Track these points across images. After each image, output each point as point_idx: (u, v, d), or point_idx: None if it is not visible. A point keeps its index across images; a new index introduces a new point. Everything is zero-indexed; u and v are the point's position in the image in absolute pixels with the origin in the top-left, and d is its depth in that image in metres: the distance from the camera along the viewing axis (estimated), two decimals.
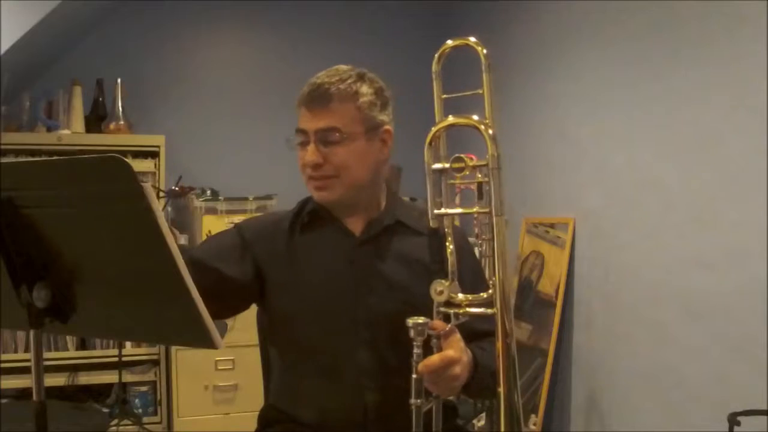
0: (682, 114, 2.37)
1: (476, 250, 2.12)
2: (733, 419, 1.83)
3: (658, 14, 2.47)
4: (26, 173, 0.99)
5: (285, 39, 4.04)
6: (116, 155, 0.87)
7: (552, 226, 3.14)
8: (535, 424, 2.98)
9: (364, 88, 1.41)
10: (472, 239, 2.49)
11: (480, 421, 2.99)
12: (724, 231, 2.20)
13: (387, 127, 1.45)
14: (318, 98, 1.39)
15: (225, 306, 1.42)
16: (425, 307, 1.36)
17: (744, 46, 2.11)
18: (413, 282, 1.41)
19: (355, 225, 1.47)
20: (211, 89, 3.93)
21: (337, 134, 1.37)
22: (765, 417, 1.87)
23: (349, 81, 1.40)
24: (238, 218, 3.52)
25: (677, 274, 2.39)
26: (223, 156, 3.89)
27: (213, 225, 3.50)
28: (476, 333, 1.38)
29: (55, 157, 0.95)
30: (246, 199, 3.56)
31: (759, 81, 2.04)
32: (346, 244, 1.45)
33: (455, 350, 1.16)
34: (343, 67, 1.45)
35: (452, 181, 1.24)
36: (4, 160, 3.12)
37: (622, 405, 2.70)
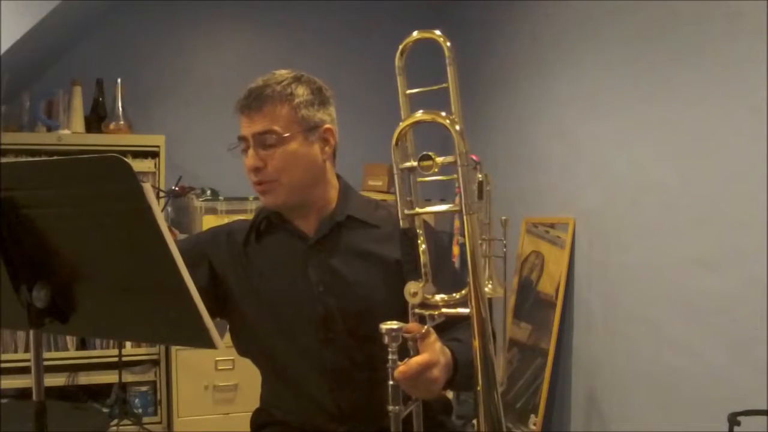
0: (682, 114, 2.37)
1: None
2: (733, 419, 1.83)
3: (658, 14, 2.47)
4: (26, 173, 0.98)
5: (285, 39, 4.04)
6: (116, 155, 0.87)
7: (552, 226, 3.14)
8: (535, 424, 2.97)
9: (300, 89, 1.41)
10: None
11: None
12: (724, 231, 2.20)
13: (328, 126, 1.45)
14: (253, 102, 1.39)
15: None
16: (381, 300, 1.38)
17: (744, 46, 2.11)
18: (368, 276, 1.42)
19: (308, 226, 1.47)
20: (211, 89, 3.93)
21: (274, 136, 1.38)
22: (765, 417, 1.87)
23: (284, 83, 1.40)
24: (238, 218, 3.52)
25: (677, 274, 2.39)
26: (223, 156, 3.84)
27: (213, 225, 3.48)
28: (451, 319, 1.38)
29: (55, 157, 0.95)
30: (246, 199, 3.55)
31: (759, 81, 2.04)
32: (300, 247, 1.45)
33: (432, 353, 1.14)
34: (282, 71, 1.45)
35: (422, 178, 1.20)
36: (4, 160, 3.12)
37: (622, 405, 2.70)
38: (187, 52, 3.95)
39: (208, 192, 3.61)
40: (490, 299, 2.64)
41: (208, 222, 3.48)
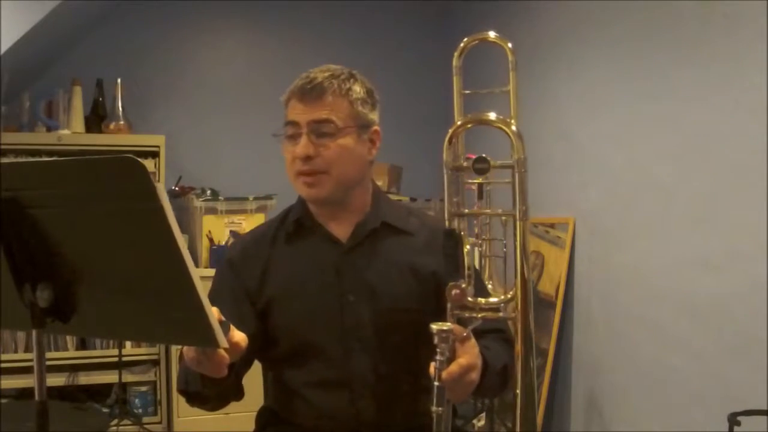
0: (682, 114, 2.37)
1: (476, 251, 2.12)
2: (733, 419, 1.83)
3: (658, 14, 2.47)
4: (36, 173, 0.98)
5: (285, 39, 4.04)
6: (130, 156, 0.86)
7: (552, 226, 3.14)
8: None
9: (357, 87, 1.40)
10: (472, 239, 2.48)
11: (480, 421, 2.99)
12: (724, 231, 2.20)
13: (376, 127, 1.44)
14: (313, 90, 1.36)
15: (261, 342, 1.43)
16: (412, 312, 1.37)
17: (744, 46, 2.11)
18: (401, 287, 1.41)
19: (342, 231, 1.44)
20: (210, 89, 3.93)
21: (332, 125, 1.36)
22: (765, 417, 1.87)
23: (342, 77, 1.39)
24: (238, 218, 3.51)
25: (677, 274, 2.39)
26: (223, 156, 3.89)
27: (213, 225, 3.49)
28: (482, 330, 1.38)
29: (66, 158, 0.95)
30: (246, 199, 3.55)
31: (759, 81, 2.04)
32: (333, 253, 1.42)
33: (472, 356, 1.14)
34: (335, 65, 1.44)
35: (473, 180, 1.20)
36: (4, 160, 3.12)
37: (622, 405, 2.70)
38: (187, 52, 3.94)
39: (208, 192, 3.60)
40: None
41: (208, 222, 3.48)
